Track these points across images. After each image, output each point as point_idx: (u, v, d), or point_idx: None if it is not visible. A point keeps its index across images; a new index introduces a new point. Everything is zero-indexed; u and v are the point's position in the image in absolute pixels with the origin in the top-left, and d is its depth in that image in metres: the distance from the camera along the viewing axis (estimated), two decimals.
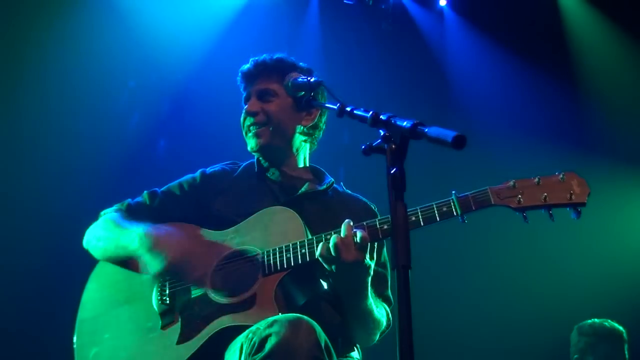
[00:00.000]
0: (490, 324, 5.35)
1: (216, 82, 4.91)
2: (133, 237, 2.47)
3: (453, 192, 2.27)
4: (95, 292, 2.61)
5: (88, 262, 2.67)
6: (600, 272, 5.46)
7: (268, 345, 1.97)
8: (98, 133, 4.68)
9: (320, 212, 2.59)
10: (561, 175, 2.22)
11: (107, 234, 2.58)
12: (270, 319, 2.07)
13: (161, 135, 5.05)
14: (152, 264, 2.41)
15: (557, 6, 5.87)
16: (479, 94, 5.80)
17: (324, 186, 2.72)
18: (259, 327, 2.06)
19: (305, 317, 2.08)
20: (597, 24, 5.83)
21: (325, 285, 2.44)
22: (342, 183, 2.86)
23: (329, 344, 2.09)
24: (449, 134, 1.56)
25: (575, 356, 4.16)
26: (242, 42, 5.01)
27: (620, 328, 4.18)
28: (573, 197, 2.19)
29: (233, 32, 5.14)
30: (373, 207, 2.78)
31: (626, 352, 4.17)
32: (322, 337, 2.06)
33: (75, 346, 2.52)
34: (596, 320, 4.22)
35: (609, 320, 4.20)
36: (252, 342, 2.03)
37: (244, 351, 2.06)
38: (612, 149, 5.64)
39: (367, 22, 5.74)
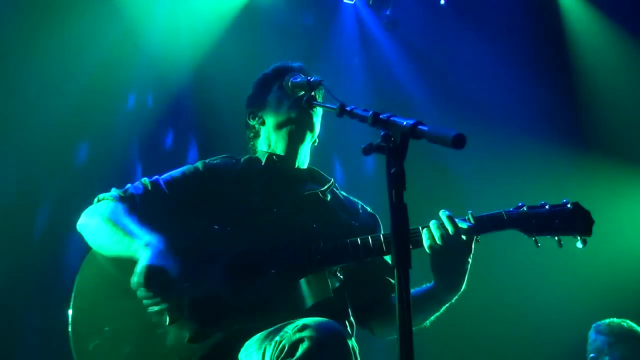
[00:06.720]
0: (499, 323, 5.28)
1: (216, 79, 4.92)
2: (137, 246, 2.33)
3: (469, 212, 2.39)
4: (91, 280, 2.48)
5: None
6: (611, 271, 5.37)
7: (300, 350, 1.94)
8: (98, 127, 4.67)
9: (322, 214, 2.60)
10: (569, 205, 2.40)
11: (109, 233, 2.42)
12: (299, 322, 2.03)
13: (163, 130, 5.03)
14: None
15: (556, 4, 5.87)
16: (479, 92, 5.79)
17: (325, 187, 2.73)
18: (287, 331, 2.02)
19: (333, 321, 2.06)
20: (597, 23, 5.83)
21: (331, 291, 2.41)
22: (337, 185, 2.87)
23: (355, 347, 2.09)
24: (449, 133, 1.56)
25: (592, 355, 4.05)
26: (242, 40, 5.00)
27: (639, 329, 4.09)
28: (580, 227, 2.37)
29: (233, 31, 5.12)
30: (369, 210, 2.82)
31: None
32: (351, 340, 2.06)
33: (70, 335, 2.40)
34: (614, 319, 4.12)
35: (628, 321, 4.09)
36: (280, 346, 2.00)
37: (268, 354, 2.03)
38: (614, 148, 5.62)
39: (366, 21, 5.74)
